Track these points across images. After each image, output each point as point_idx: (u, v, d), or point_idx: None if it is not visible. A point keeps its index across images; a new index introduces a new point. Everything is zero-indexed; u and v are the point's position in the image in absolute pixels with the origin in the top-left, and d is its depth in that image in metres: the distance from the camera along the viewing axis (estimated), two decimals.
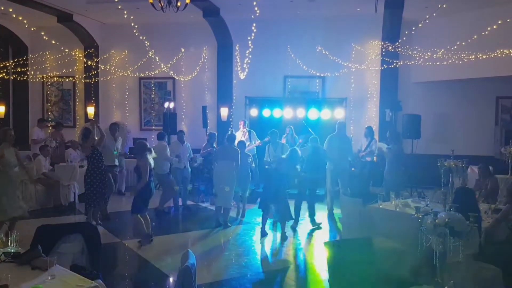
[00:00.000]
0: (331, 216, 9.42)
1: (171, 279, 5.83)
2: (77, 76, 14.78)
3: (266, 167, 9.44)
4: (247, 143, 11.31)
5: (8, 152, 6.97)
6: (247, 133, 11.48)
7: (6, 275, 3.32)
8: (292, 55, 12.85)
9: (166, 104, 13.05)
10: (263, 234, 7.85)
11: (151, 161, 7.37)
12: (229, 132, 9.96)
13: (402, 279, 4.76)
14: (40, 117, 15.26)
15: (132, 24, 11.06)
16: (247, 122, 11.87)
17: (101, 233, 5.13)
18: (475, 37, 10.13)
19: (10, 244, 4.07)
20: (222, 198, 8.55)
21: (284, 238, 7.77)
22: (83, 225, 4.98)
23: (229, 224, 8.56)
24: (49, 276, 3.45)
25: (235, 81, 13.54)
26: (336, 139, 9.61)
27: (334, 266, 4.22)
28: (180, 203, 10.07)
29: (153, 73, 13.95)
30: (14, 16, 11.38)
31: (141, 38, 11.88)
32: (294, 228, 8.38)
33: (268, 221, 8.16)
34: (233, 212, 9.15)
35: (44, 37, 12.21)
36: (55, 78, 14.96)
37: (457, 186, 6.19)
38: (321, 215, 9.63)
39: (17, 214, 7.05)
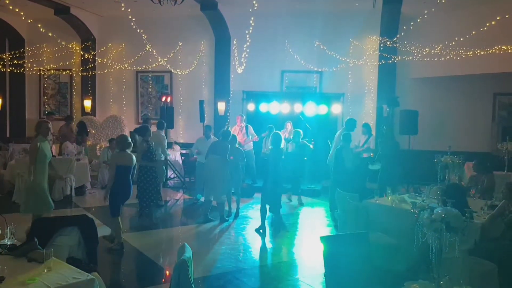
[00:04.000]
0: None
1: (167, 272, 5.84)
2: (74, 69, 14.73)
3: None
4: (244, 138, 11.33)
5: (44, 145, 6.68)
6: (244, 128, 11.47)
7: (3, 268, 3.31)
8: (290, 50, 12.82)
9: (163, 98, 13.03)
10: (263, 230, 7.84)
11: (128, 157, 6.71)
12: (226, 127, 9.88)
13: (398, 274, 4.78)
14: (37, 110, 15.28)
15: (130, 17, 11.00)
16: (244, 117, 11.85)
17: (98, 226, 5.12)
18: (473, 33, 10.14)
19: (7, 237, 4.06)
20: (212, 192, 8.52)
21: (282, 226, 7.97)
22: (79, 218, 4.97)
23: (226, 218, 8.54)
24: (46, 269, 3.45)
25: (232, 75, 13.51)
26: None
27: (330, 261, 4.23)
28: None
29: (150, 66, 13.92)
30: (10, 8, 11.29)
31: (138, 31, 11.83)
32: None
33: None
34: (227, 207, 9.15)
35: (41, 30, 12.14)
36: (52, 71, 14.91)
37: (448, 183, 6.21)
38: (319, 210, 9.67)
39: (47, 211, 6.75)
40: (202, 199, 9.73)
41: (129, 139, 6.92)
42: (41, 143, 6.61)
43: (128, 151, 6.78)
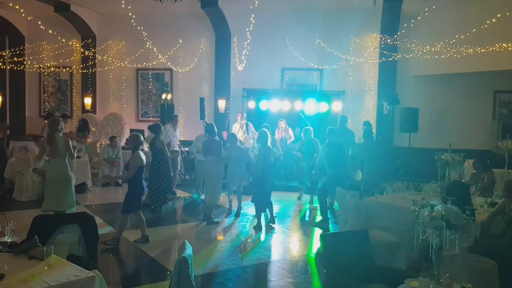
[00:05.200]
0: (330, 208, 9.41)
1: (167, 270, 5.84)
2: (74, 67, 14.72)
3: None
4: (244, 136, 11.30)
5: (60, 140, 6.98)
6: (245, 126, 11.44)
7: (3, 265, 3.31)
8: (290, 47, 12.81)
9: (163, 96, 13.00)
10: (259, 227, 7.88)
11: (143, 157, 6.83)
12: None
13: (397, 272, 4.78)
14: (37, 107, 15.30)
15: (130, 15, 10.98)
16: (244, 114, 11.83)
17: (98, 223, 5.12)
18: (473, 30, 10.12)
19: (7, 234, 4.06)
20: (207, 194, 8.47)
21: (272, 221, 8.06)
22: (80, 216, 4.97)
23: (214, 219, 8.30)
24: (46, 266, 3.45)
25: (232, 73, 13.50)
26: (338, 132, 9.57)
27: (330, 258, 4.24)
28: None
29: (150, 64, 13.91)
30: (10, 4, 11.29)
31: (138, 28, 11.81)
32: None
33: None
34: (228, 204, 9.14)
35: (41, 27, 12.12)
36: (52, 68, 14.89)
37: (452, 180, 6.21)
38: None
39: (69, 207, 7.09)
40: (202, 196, 9.78)
41: (141, 138, 6.98)
42: (58, 138, 6.94)
43: (140, 149, 6.81)
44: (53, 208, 7.05)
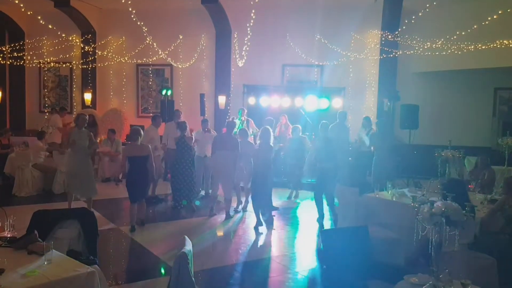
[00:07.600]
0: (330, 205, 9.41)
1: (167, 265, 5.84)
2: (74, 62, 14.68)
3: None
4: None
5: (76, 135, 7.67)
6: (245, 122, 11.42)
7: (3, 260, 3.32)
8: (291, 44, 12.78)
9: (163, 92, 12.97)
10: (259, 224, 7.78)
11: (135, 148, 7.39)
12: (228, 119, 9.72)
13: (397, 268, 4.79)
14: (37, 103, 15.29)
15: (130, 10, 10.95)
16: (245, 110, 11.79)
17: (97, 219, 5.12)
18: (474, 27, 10.10)
19: (7, 229, 4.07)
20: (217, 187, 8.47)
21: (268, 223, 7.90)
22: (79, 211, 4.97)
23: (231, 215, 8.41)
24: (46, 261, 3.45)
25: (233, 69, 13.47)
26: (336, 128, 9.60)
27: (329, 254, 4.25)
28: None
29: (150, 60, 13.86)
30: None
31: (138, 24, 11.77)
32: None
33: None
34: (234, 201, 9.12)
35: (41, 22, 12.07)
36: (52, 64, 14.86)
37: (449, 177, 6.22)
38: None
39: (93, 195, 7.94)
40: (202, 192, 9.81)
41: (141, 131, 7.55)
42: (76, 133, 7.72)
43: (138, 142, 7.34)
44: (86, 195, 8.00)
